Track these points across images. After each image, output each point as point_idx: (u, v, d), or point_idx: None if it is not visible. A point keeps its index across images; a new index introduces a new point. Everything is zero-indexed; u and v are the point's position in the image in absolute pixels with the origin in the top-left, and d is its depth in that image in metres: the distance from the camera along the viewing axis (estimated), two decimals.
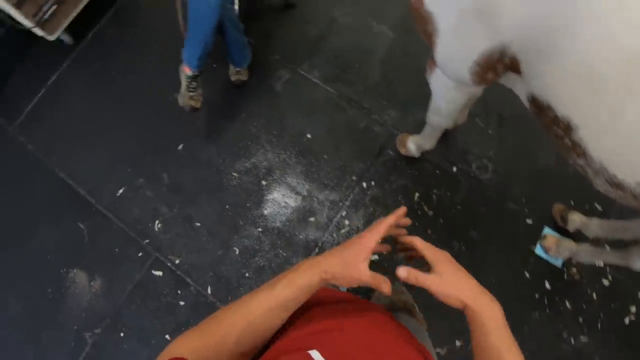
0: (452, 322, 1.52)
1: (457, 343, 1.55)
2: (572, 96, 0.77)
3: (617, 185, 0.85)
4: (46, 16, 1.89)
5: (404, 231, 0.68)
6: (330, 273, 0.56)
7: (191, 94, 1.62)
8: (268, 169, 1.78)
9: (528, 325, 1.58)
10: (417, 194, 1.72)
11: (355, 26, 2.01)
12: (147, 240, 1.73)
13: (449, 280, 0.55)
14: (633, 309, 1.64)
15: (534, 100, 0.89)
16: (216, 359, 0.51)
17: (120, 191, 1.82)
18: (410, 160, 1.76)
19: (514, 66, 0.88)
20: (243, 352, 0.53)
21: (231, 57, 1.81)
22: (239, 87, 1.91)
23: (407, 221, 0.67)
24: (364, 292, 1.60)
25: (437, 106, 1.33)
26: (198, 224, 1.72)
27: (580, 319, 1.59)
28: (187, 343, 0.51)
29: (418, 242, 0.61)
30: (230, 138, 1.84)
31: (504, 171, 1.75)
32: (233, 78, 1.89)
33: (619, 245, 1.36)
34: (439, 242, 1.64)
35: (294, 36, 2.01)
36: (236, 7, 1.69)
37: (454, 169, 1.76)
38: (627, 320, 1.63)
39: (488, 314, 0.53)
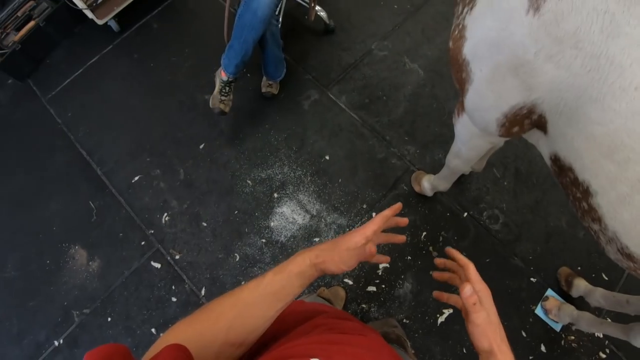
0: None
1: None
2: (595, 164, 0.78)
3: (628, 256, 0.85)
4: (99, 1, 1.99)
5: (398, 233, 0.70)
6: (321, 257, 0.56)
7: (223, 97, 1.67)
8: (282, 183, 1.81)
9: None
10: (424, 233, 1.72)
11: (388, 61, 2.07)
12: (152, 231, 1.74)
13: (491, 321, 0.55)
14: None
15: (556, 159, 0.90)
16: (206, 349, 0.49)
17: (136, 178, 1.85)
18: (422, 198, 1.77)
19: (541, 124, 0.90)
20: (233, 342, 0.52)
21: (266, 69, 1.87)
22: (268, 100, 1.96)
23: (405, 221, 0.68)
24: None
25: (458, 150, 1.34)
26: (204, 224, 1.74)
27: None
28: (178, 333, 0.50)
29: (472, 270, 0.61)
30: (250, 146, 1.88)
31: (514, 225, 1.74)
32: (264, 90, 1.94)
33: (621, 319, 1.33)
34: (439, 285, 1.63)
35: (329, 60, 2.08)
36: (279, 24, 1.77)
37: (465, 214, 1.76)
38: None
39: None
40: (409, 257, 1.68)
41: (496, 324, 0.56)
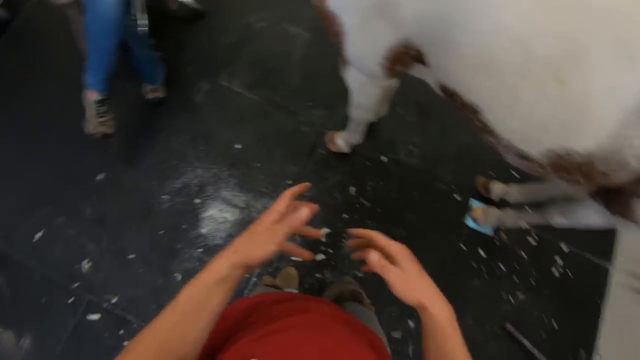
0: (401, 306, 1.57)
1: (411, 324, 1.60)
2: (474, 84, 0.83)
3: (525, 157, 0.93)
4: None
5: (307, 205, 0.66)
6: (241, 252, 0.53)
7: (101, 119, 1.51)
8: (200, 186, 1.72)
9: (471, 292, 1.67)
10: (353, 188, 1.75)
11: (270, 31, 2.01)
12: (77, 284, 1.58)
13: (411, 276, 0.55)
14: (559, 260, 1.81)
15: (443, 88, 0.94)
16: None
17: (38, 235, 1.64)
18: (341, 156, 1.79)
19: (419, 58, 0.92)
20: None
21: (143, 74, 1.72)
22: (157, 105, 1.82)
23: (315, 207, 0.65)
24: (317, 291, 1.60)
25: (356, 101, 1.36)
26: (131, 256, 1.61)
27: (516, 279, 1.72)
28: None
29: (381, 239, 0.59)
30: (154, 160, 1.74)
31: (429, 154, 1.85)
32: (149, 96, 1.79)
33: (538, 206, 1.48)
34: (381, 231, 1.69)
35: (209, 46, 1.97)
36: (145, 21, 1.61)
37: (384, 158, 1.82)
38: (555, 272, 1.79)
39: (442, 316, 0.53)
40: (345, 215, 1.71)
41: (418, 277, 0.56)
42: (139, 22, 1.59)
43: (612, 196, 0.99)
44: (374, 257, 0.55)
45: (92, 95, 1.48)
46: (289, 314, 0.63)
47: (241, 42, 1.98)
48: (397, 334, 1.57)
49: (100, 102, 1.49)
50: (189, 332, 0.50)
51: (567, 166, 0.86)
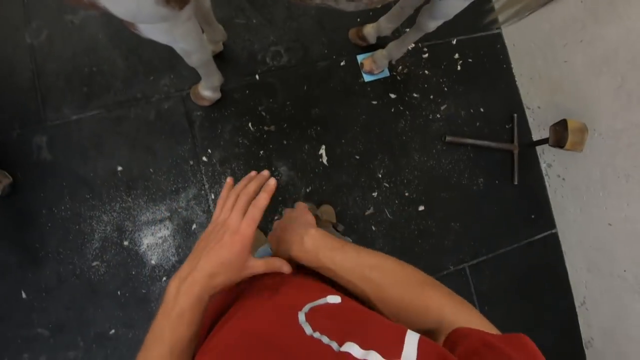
0: (362, 188, 1.61)
1: (374, 194, 1.66)
2: None
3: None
4: None
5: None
6: (193, 276, 0.47)
7: None
8: (118, 229, 1.57)
9: (404, 134, 1.72)
10: (249, 124, 1.65)
11: (56, 36, 1.65)
12: None
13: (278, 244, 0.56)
14: (456, 55, 1.85)
15: None
16: None
17: None
18: (218, 104, 1.64)
19: None
20: None
21: None
22: (13, 193, 1.55)
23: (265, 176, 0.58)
24: None
25: (180, 49, 1.20)
26: (112, 332, 1.52)
27: (431, 96, 1.77)
28: None
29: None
30: (56, 241, 1.54)
31: (292, 42, 1.72)
32: None
33: (410, 22, 1.44)
34: (298, 143, 1.65)
35: (10, 98, 1.62)
36: None
37: (257, 77, 1.69)
38: (458, 67, 1.84)
39: (309, 246, 0.52)
40: (262, 152, 1.64)
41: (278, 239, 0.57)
42: None
43: None
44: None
45: None
46: (261, 290, 0.56)
47: (37, 69, 1.64)
48: (370, 210, 1.63)
49: None
50: None
51: None
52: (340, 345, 0.36)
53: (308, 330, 0.39)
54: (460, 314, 0.43)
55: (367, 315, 0.42)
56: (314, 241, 0.53)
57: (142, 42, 1.65)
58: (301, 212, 0.61)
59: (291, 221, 0.59)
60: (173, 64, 1.66)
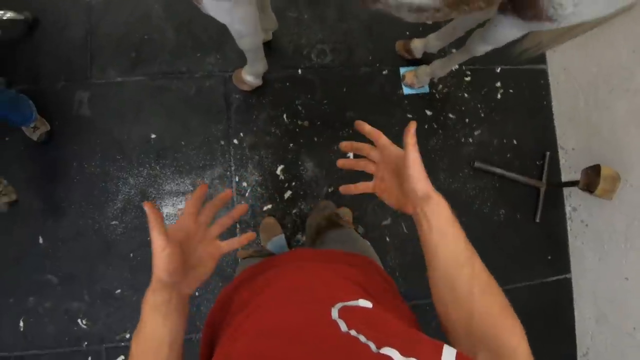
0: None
1: None
2: None
3: (418, 9, 0.87)
4: None
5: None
6: (177, 281, 0.47)
7: None
8: (141, 194, 1.61)
9: (433, 152, 1.72)
10: (284, 116, 1.67)
11: (113, 4, 1.71)
12: (86, 342, 1.54)
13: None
14: (498, 83, 1.84)
15: None
16: None
17: (21, 324, 1.55)
18: (258, 91, 1.67)
19: None
20: None
21: (12, 120, 1.48)
22: (48, 141, 1.61)
23: (228, 194, 0.57)
24: (301, 225, 1.60)
25: (235, 31, 1.23)
26: (118, 291, 1.56)
27: (467, 120, 1.76)
28: None
29: (383, 138, 0.58)
30: (80, 195, 1.59)
31: (339, 44, 1.74)
32: (35, 137, 1.57)
33: (461, 44, 1.45)
34: (328, 142, 1.66)
35: (61, 52, 1.68)
36: None
37: (299, 71, 1.71)
38: (498, 96, 1.83)
39: (445, 203, 0.51)
40: (292, 144, 1.66)
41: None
42: None
43: (520, 4, 0.96)
44: (413, 127, 0.52)
45: None
46: (258, 293, 0.56)
47: (91, 28, 1.69)
48: (386, 221, 1.63)
49: None
50: None
51: None
52: (379, 347, 0.35)
53: (343, 327, 0.39)
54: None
55: (400, 325, 0.41)
56: (442, 199, 0.51)
57: (195, 18, 1.70)
58: None
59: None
60: (221, 45, 1.69)
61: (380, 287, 0.61)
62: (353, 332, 0.38)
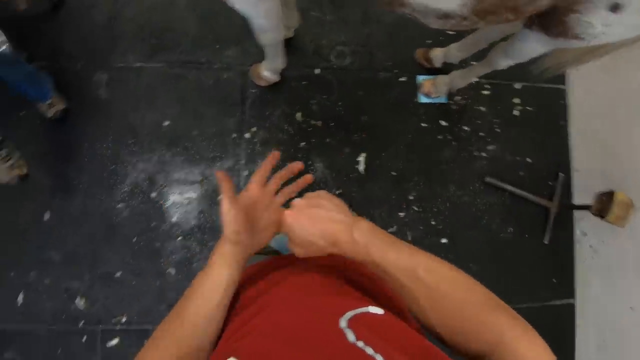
0: (390, 204, 1.60)
1: (401, 214, 1.65)
2: None
3: (445, 16, 0.87)
4: None
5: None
6: (243, 240, 0.52)
7: (9, 163, 1.35)
8: (150, 179, 1.61)
9: (445, 164, 1.70)
10: (299, 114, 1.67)
11: None
12: (82, 322, 1.54)
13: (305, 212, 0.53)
14: (517, 100, 1.82)
15: None
16: None
17: (20, 298, 1.56)
18: (274, 87, 1.67)
19: None
20: (190, 352, 0.48)
21: (30, 95, 1.50)
22: (63, 119, 1.62)
23: (299, 166, 0.61)
24: None
25: (257, 25, 1.23)
26: (119, 274, 1.56)
27: (481, 134, 1.74)
28: None
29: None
30: (90, 175, 1.60)
31: (360, 47, 1.74)
32: (50, 114, 1.59)
33: (482, 57, 1.43)
34: (340, 144, 1.65)
35: (84, 33, 1.70)
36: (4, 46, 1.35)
37: (317, 71, 1.71)
38: (516, 112, 1.81)
39: (361, 233, 0.49)
40: (303, 143, 1.65)
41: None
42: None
43: (548, 20, 0.95)
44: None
45: None
46: (265, 291, 0.57)
47: (116, 12, 1.71)
48: (392, 229, 1.62)
49: None
50: (202, 314, 0.49)
51: (490, 8, 0.80)
52: None
53: (351, 337, 0.38)
54: (521, 342, 0.40)
55: (417, 337, 0.40)
56: (364, 232, 0.49)
57: (218, 10, 1.71)
58: (331, 198, 0.56)
59: (320, 206, 0.53)
60: (241, 38, 1.70)
61: (388, 293, 0.59)
62: (360, 344, 0.36)
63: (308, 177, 0.61)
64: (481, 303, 0.44)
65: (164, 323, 0.50)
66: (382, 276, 0.50)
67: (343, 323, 0.40)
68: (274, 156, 0.59)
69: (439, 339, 0.46)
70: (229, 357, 0.38)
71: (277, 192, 0.59)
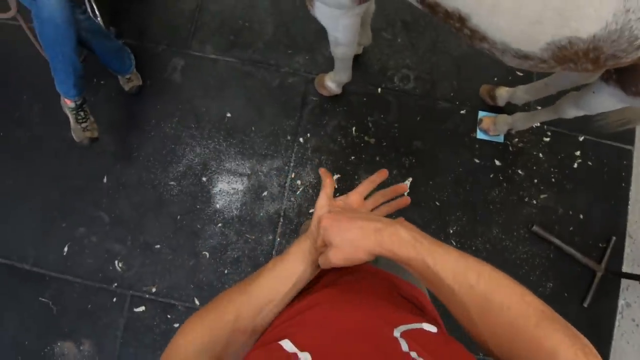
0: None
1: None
2: None
3: (524, 56, 0.87)
4: None
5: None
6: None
7: (83, 125, 1.47)
8: (203, 164, 1.70)
9: (492, 204, 1.66)
10: (353, 128, 1.70)
11: None
12: (115, 284, 1.64)
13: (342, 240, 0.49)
14: (578, 152, 1.76)
15: (422, 0, 0.87)
16: (217, 338, 0.48)
17: (66, 249, 1.68)
18: (335, 98, 1.72)
19: None
20: (244, 329, 0.49)
21: (112, 67, 1.63)
22: (137, 94, 1.75)
23: (404, 187, 0.63)
24: None
25: (334, 38, 1.28)
26: (158, 246, 1.65)
27: (535, 180, 1.69)
28: (188, 332, 0.49)
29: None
30: (151, 150, 1.71)
31: (425, 74, 1.75)
32: (127, 87, 1.72)
33: (548, 102, 1.41)
34: (389, 165, 1.67)
35: (170, 19, 1.83)
36: (96, 12, 1.49)
37: (379, 90, 1.73)
38: (575, 165, 1.75)
39: (401, 247, 0.45)
40: (353, 157, 1.68)
41: (348, 230, 0.49)
42: (90, 16, 1.49)
43: (627, 76, 0.92)
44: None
45: (67, 103, 1.43)
46: (317, 289, 0.58)
47: (201, 4, 1.83)
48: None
49: (78, 108, 1.44)
50: (267, 297, 0.50)
51: (571, 56, 0.79)
52: None
53: (404, 346, 0.37)
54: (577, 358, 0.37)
55: (463, 353, 0.40)
56: (409, 228, 0.46)
57: (296, 19, 1.78)
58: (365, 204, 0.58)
59: (354, 212, 0.53)
60: (313, 48, 1.76)
61: (432, 313, 0.60)
62: (414, 354, 0.37)
63: (406, 200, 0.60)
64: (536, 314, 0.41)
65: (229, 293, 0.51)
66: (428, 284, 0.45)
67: (397, 333, 0.40)
68: (382, 174, 0.61)
69: (490, 354, 0.43)
70: (282, 339, 0.41)
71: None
